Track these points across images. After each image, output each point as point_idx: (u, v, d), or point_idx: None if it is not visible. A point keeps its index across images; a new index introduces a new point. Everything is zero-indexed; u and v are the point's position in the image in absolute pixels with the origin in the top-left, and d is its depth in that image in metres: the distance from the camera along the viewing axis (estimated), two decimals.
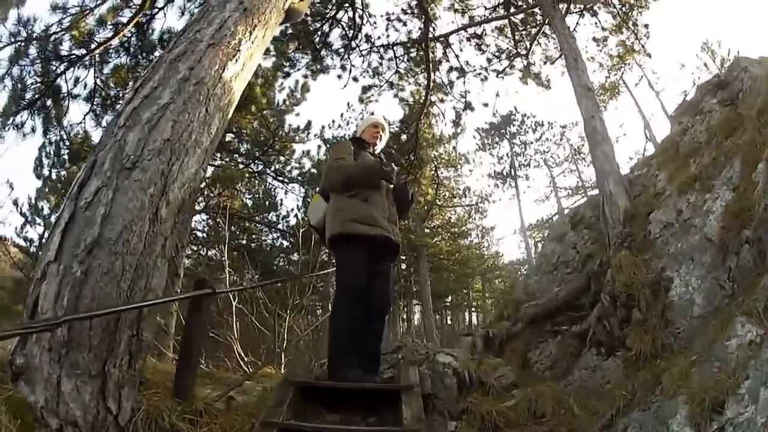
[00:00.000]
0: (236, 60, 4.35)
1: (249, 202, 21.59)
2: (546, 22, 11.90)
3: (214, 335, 9.52)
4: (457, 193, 29.89)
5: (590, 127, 7.62)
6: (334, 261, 4.57)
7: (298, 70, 13.33)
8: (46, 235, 14.29)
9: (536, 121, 35.01)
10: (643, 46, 13.50)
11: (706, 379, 3.02)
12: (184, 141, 3.59)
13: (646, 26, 13.21)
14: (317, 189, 4.89)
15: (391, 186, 4.60)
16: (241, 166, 17.76)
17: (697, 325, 4.02)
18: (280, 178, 18.22)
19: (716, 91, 6.98)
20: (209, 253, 22.41)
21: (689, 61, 49.61)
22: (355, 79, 13.65)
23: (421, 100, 13.85)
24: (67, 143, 13.44)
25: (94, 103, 11.55)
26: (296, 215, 19.45)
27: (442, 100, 13.98)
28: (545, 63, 13.67)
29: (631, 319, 4.58)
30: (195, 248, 22.81)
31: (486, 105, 14.53)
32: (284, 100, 15.53)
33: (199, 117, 3.77)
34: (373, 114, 5.33)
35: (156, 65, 3.99)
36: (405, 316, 38.83)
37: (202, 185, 16.85)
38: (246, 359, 8.55)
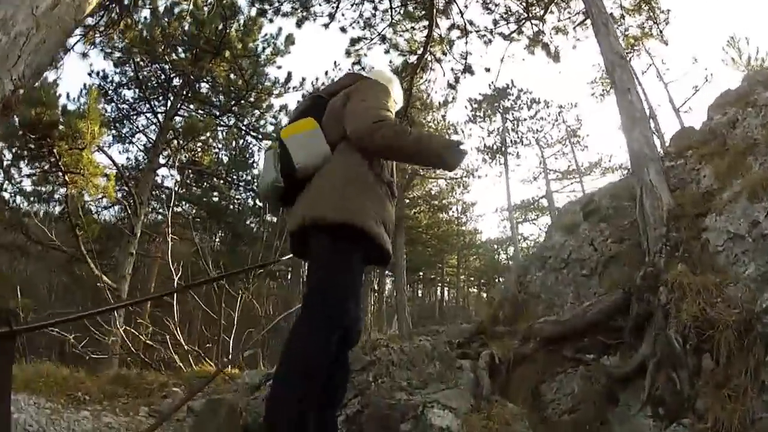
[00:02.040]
0: None
1: (225, 159, 20.26)
2: None
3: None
4: None
5: (625, 101, 6.29)
6: (323, 253, 2.69)
7: (281, 14, 11.60)
8: None
9: (532, 98, 33.82)
10: (660, 32, 12.55)
11: None
12: None
13: (668, 11, 12.28)
14: (311, 113, 2.92)
15: None
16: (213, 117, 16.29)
17: None
18: (254, 134, 16.82)
19: None
20: (177, 209, 21.02)
21: (702, 56, 48.31)
22: (343, 30, 12.06)
23: (418, 52, 12.35)
24: None
25: None
26: None
27: (439, 60, 12.50)
28: (557, 33, 12.30)
29: (701, 370, 3.31)
30: (157, 205, 21.43)
31: (488, 70, 12.86)
32: (263, 48, 14.09)
33: None
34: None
35: None
36: (376, 287, 37.76)
37: (169, 136, 15.36)
38: (188, 348, 7.21)
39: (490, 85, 27.48)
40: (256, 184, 18.51)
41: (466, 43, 12.18)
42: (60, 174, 9.71)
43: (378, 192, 2.73)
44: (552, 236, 7.17)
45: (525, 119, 34.07)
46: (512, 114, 33.99)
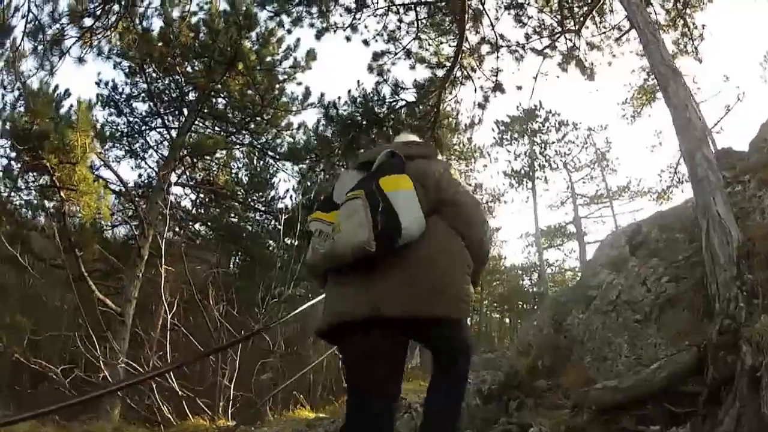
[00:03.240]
0: None
1: (245, 179, 19.54)
2: None
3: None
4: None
5: (683, 118, 5.38)
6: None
7: (293, 19, 10.96)
8: None
9: (560, 120, 32.94)
10: (696, 48, 11.61)
11: None
12: None
13: (702, 26, 11.42)
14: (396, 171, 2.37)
15: None
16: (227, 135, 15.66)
17: None
18: (271, 153, 16.09)
19: None
20: (195, 229, 20.32)
21: (734, 74, 46.40)
22: (366, 43, 11.40)
23: (447, 64, 11.56)
24: None
25: None
26: (291, 197, 17.38)
27: (469, 76, 11.75)
28: (591, 49, 11.56)
29: None
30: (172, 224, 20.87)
31: (520, 88, 12.06)
32: (281, 61, 13.45)
33: None
34: None
35: None
36: None
37: (181, 153, 14.78)
38: (181, 394, 6.36)
39: (517, 106, 26.67)
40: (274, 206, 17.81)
41: (497, 58, 11.44)
42: (56, 189, 9.09)
43: None
44: (597, 273, 6.32)
45: (553, 142, 33.27)
46: (540, 137, 33.20)
